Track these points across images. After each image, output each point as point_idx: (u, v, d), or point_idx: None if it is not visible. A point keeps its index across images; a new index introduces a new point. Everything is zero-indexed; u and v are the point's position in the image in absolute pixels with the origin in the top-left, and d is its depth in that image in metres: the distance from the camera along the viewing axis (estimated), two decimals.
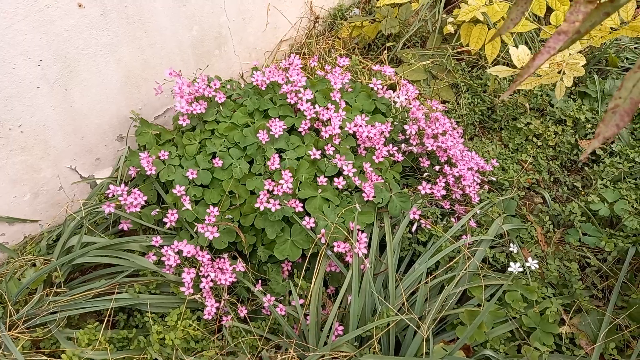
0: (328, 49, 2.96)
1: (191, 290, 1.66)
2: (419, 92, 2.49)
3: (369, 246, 1.73)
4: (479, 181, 2.06)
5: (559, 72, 2.14)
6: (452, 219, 1.96)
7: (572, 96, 2.62)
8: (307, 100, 1.98)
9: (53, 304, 1.65)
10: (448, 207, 1.99)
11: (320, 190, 1.79)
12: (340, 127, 1.92)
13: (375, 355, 1.53)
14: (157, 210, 1.89)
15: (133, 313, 1.76)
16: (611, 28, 2.03)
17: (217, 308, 1.68)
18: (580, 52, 2.20)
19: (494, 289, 1.72)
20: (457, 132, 2.16)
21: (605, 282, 1.83)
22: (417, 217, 1.81)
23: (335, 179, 1.81)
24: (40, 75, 1.75)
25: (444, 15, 2.86)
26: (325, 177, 1.80)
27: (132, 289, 1.70)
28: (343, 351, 1.53)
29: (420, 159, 2.06)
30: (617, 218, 1.97)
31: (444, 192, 1.93)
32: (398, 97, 2.14)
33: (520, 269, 1.70)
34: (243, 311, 1.71)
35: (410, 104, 2.12)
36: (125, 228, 1.90)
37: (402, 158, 1.98)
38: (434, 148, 2.02)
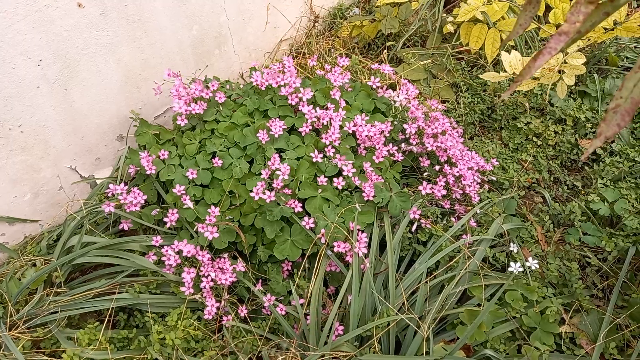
0: (328, 49, 2.96)
1: (191, 290, 1.66)
2: (418, 91, 2.48)
3: (369, 246, 1.73)
4: (479, 181, 2.06)
5: (559, 72, 2.14)
6: (452, 219, 1.96)
7: (572, 95, 2.62)
8: (308, 101, 1.97)
9: (53, 303, 1.65)
10: (448, 206, 1.99)
11: (320, 190, 1.79)
12: (340, 127, 1.92)
13: (376, 354, 1.53)
14: (157, 210, 1.89)
15: (133, 313, 1.76)
16: (605, 29, 2.04)
17: (218, 308, 1.68)
18: (580, 50, 2.20)
19: (494, 289, 1.73)
20: (457, 132, 2.16)
21: (605, 282, 1.83)
22: (417, 216, 1.81)
23: (335, 180, 1.81)
24: (40, 75, 1.75)
25: (444, 15, 2.86)
26: (325, 177, 1.80)
27: (132, 289, 1.70)
28: (343, 351, 1.53)
29: (420, 158, 2.06)
30: (618, 217, 1.97)
31: (444, 192, 1.93)
32: (398, 97, 2.14)
33: (521, 269, 1.70)
34: (243, 311, 1.71)
35: (410, 104, 2.12)
36: (126, 228, 1.90)
37: (402, 158, 1.98)
38: (434, 148, 2.02)
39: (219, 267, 1.71)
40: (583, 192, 2.21)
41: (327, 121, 1.94)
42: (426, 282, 1.68)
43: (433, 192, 1.91)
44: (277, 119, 1.91)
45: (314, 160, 1.84)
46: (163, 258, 1.73)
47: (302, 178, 1.82)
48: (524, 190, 2.21)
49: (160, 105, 2.25)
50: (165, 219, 1.80)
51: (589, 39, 2.16)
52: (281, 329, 1.69)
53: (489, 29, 2.47)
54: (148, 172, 1.87)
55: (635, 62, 2.73)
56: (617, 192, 2.01)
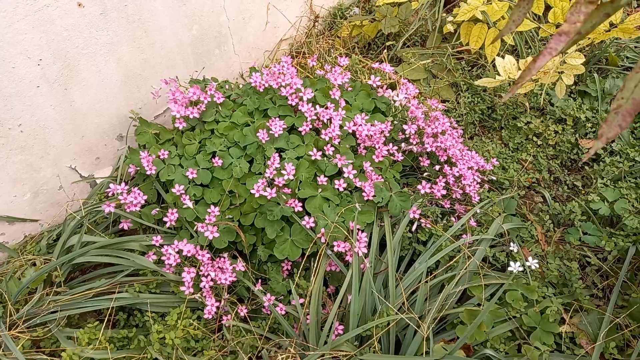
0: (328, 48, 2.96)
1: (191, 290, 1.66)
2: (418, 91, 2.49)
3: (369, 245, 1.73)
4: (479, 180, 2.06)
5: (559, 73, 2.14)
6: (452, 218, 1.96)
7: (572, 95, 2.62)
8: (308, 100, 1.97)
9: (53, 303, 1.65)
10: (448, 206, 1.99)
11: (320, 190, 1.79)
12: (340, 126, 1.92)
13: (376, 354, 1.53)
14: (157, 209, 1.89)
15: (133, 312, 1.76)
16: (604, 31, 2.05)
17: (217, 307, 1.68)
18: (579, 50, 2.20)
19: (494, 288, 1.72)
20: (457, 132, 2.16)
21: (605, 282, 1.83)
22: (417, 216, 1.81)
23: (336, 182, 1.81)
24: (40, 74, 1.75)
25: (444, 15, 2.86)
26: (325, 176, 1.80)
27: (132, 289, 1.70)
28: (343, 350, 1.53)
29: (420, 158, 2.06)
30: (618, 217, 1.97)
31: (444, 192, 1.93)
32: (398, 96, 2.13)
33: (521, 268, 1.70)
34: (243, 310, 1.71)
35: (410, 103, 2.12)
36: (126, 227, 1.90)
37: (402, 157, 1.98)
38: (434, 148, 2.02)
39: (218, 267, 1.71)
40: (583, 191, 2.21)
41: (327, 119, 1.94)
42: (426, 282, 1.68)
43: (432, 191, 1.91)
44: (277, 119, 1.91)
45: (313, 158, 1.83)
46: (163, 257, 1.73)
47: (302, 177, 1.82)
48: (524, 189, 2.21)
49: (160, 104, 2.25)
50: (165, 219, 1.80)
51: (589, 38, 2.17)
52: (281, 328, 1.69)
53: (489, 28, 2.46)
54: (148, 172, 1.87)
55: (635, 62, 2.73)
56: (617, 191, 2.01)
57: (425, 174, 2.06)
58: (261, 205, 1.75)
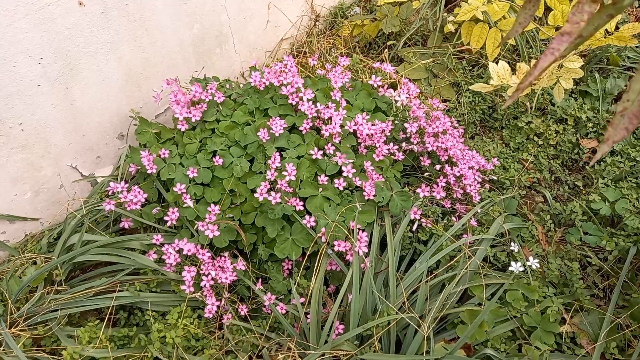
0: (329, 48, 2.96)
1: (192, 289, 1.66)
2: (419, 90, 2.48)
3: (369, 245, 1.73)
4: (479, 180, 2.06)
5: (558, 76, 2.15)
6: (453, 218, 1.96)
7: (573, 95, 2.62)
8: (308, 100, 1.97)
9: (54, 301, 1.65)
10: (449, 206, 1.99)
11: (320, 189, 1.79)
12: (341, 126, 1.92)
13: (376, 353, 1.53)
14: (158, 208, 1.89)
15: (134, 311, 1.76)
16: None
17: (218, 306, 1.68)
18: (579, 54, 2.20)
19: (494, 288, 1.72)
20: (458, 131, 2.16)
21: (606, 282, 1.83)
22: (417, 216, 1.81)
23: (336, 181, 1.80)
24: (40, 73, 1.75)
25: (445, 14, 2.86)
26: (326, 175, 1.80)
27: (132, 287, 1.70)
28: (344, 350, 1.53)
29: (421, 157, 2.06)
30: (618, 217, 1.96)
31: (443, 194, 1.93)
32: (399, 96, 2.13)
33: (521, 268, 1.70)
34: (244, 310, 1.71)
35: (411, 103, 2.12)
36: (126, 226, 1.90)
37: (403, 157, 1.98)
38: (435, 147, 2.02)
39: (219, 266, 1.71)
40: (584, 191, 2.21)
41: (327, 117, 1.94)
42: (427, 282, 1.67)
43: (432, 194, 1.91)
44: (278, 118, 1.91)
45: (314, 157, 1.83)
46: (163, 256, 1.73)
47: (303, 177, 1.82)
48: (524, 189, 2.21)
49: (161, 103, 2.25)
50: (166, 218, 1.80)
51: (587, 44, 2.18)
52: (281, 327, 1.69)
53: (490, 28, 2.46)
54: (149, 171, 1.87)
55: (636, 61, 2.72)
56: (618, 191, 2.00)
57: (426, 173, 2.06)
58: (262, 204, 1.75)
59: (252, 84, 2.06)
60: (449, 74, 2.70)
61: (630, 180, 2.09)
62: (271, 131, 1.87)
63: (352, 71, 2.61)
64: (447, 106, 2.55)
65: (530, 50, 2.78)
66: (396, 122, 2.10)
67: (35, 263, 1.78)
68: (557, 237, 2.00)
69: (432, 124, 2.03)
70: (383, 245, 1.79)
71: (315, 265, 1.69)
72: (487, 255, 1.82)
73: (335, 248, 1.68)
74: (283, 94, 1.99)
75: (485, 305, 1.60)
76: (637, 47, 2.81)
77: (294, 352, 1.56)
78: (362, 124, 1.93)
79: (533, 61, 2.40)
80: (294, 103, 1.99)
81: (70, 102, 1.89)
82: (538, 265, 1.73)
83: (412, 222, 1.84)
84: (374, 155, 1.90)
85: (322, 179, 1.79)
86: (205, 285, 1.68)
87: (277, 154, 1.83)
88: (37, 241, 1.94)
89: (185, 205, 1.80)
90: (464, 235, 1.83)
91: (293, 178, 1.74)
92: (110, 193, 1.85)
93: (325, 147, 1.87)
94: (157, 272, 1.77)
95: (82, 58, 1.86)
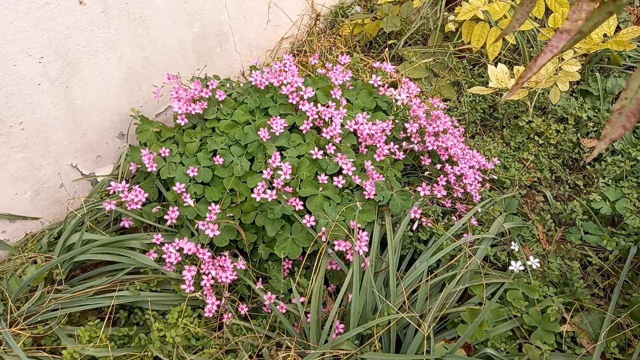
0: (329, 47, 2.96)
1: (192, 288, 1.66)
2: (420, 90, 2.48)
3: (369, 244, 1.73)
4: (480, 179, 2.06)
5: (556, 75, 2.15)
6: (453, 217, 1.96)
7: (573, 94, 2.61)
8: (309, 99, 1.97)
9: (54, 301, 1.65)
10: (449, 205, 1.99)
11: (321, 189, 1.79)
12: (342, 125, 1.92)
13: (376, 353, 1.53)
14: (158, 207, 1.89)
15: (134, 310, 1.76)
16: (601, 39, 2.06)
17: (218, 306, 1.68)
18: (579, 56, 2.20)
19: (495, 288, 1.72)
20: (458, 131, 2.16)
21: (606, 281, 1.83)
22: (418, 215, 1.81)
23: (335, 178, 1.80)
24: (41, 72, 1.75)
25: (446, 13, 2.86)
26: (326, 175, 1.80)
27: (133, 287, 1.70)
28: (344, 349, 1.53)
29: (421, 157, 2.06)
30: (619, 217, 1.96)
31: (444, 193, 1.93)
32: (399, 95, 2.13)
33: (522, 268, 1.70)
34: (244, 309, 1.71)
35: (411, 102, 2.11)
36: (126, 225, 1.90)
37: (404, 156, 1.98)
38: (435, 147, 2.02)
39: (219, 265, 1.71)
40: (584, 191, 2.21)
41: (328, 118, 1.94)
42: (427, 281, 1.67)
43: (433, 193, 1.91)
44: (278, 117, 1.91)
45: (314, 156, 1.83)
46: (164, 256, 1.73)
47: (303, 176, 1.81)
48: (525, 189, 2.21)
49: (161, 103, 2.25)
50: (166, 217, 1.80)
51: (584, 48, 2.18)
52: (282, 327, 1.69)
53: (490, 27, 2.46)
54: (149, 170, 1.87)
55: (637, 60, 2.72)
56: (618, 191, 2.00)
57: (427, 172, 2.06)
58: (262, 203, 1.75)
59: (253, 83, 2.05)
60: (450, 73, 2.69)
61: (631, 180, 2.09)
62: (271, 130, 1.87)
63: (353, 70, 2.61)
64: (447, 105, 2.55)
65: (531, 49, 2.78)
66: (397, 121, 2.10)
67: (35, 262, 1.78)
68: (558, 236, 1.99)
69: (432, 123, 2.03)
70: (383, 244, 1.79)
71: (316, 264, 1.69)
72: (488, 255, 1.82)
73: (336, 247, 1.68)
74: (283, 93, 1.99)
75: (486, 305, 1.59)
76: (638, 46, 2.81)
77: (294, 352, 1.56)
78: (362, 123, 1.92)
79: None
80: (294, 102, 1.98)
81: (71, 101, 1.89)
82: (538, 265, 1.73)
83: (412, 221, 1.83)
84: (375, 155, 1.90)
85: (323, 178, 1.79)
86: (205, 285, 1.68)
87: (278, 153, 1.83)
88: (38, 240, 1.94)
89: (185, 205, 1.80)
90: (465, 235, 1.82)
91: (288, 177, 1.73)
92: (110, 192, 1.85)
93: (326, 146, 1.87)
94: (157, 271, 1.77)
95: (82, 57, 1.86)
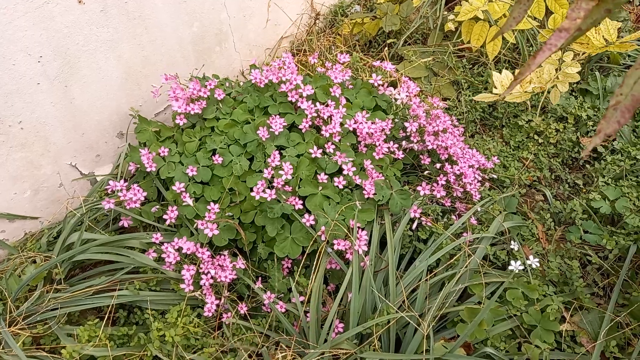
0: (329, 46, 2.95)
1: (191, 287, 1.66)
2: (419, 89, 2.48)
3: (369, 243, 1.73)
4: (479, 179, 2.05)
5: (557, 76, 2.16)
6: (453, 217, 1.95)
7: (573, 93, 2.61)
8: (308, 97, 1.97)
9: (53, 300, 1.65)
10: (449, 204, 1.99)
11: (320, 188, 1.79)
12: (341, 124, 1.92)
13: (376, 352, 1.53)
14: (157, 207, 1.89)
15: (133, 310, 1.76)
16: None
17: (217, 305, 1.68)
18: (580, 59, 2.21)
19: (494, 287, 1.72)
20: (458, 130, 2.16)
21: (606, 280, 1.83)
22: (417, 214, 1.81)
23: (336, 179, 1.80)
24: (40, 71, 1.75)
25: (445, 12, 2.86)
26: (325, 174, 1.80)
27: (132, 286, 1.70)
28: (343, 348, 1.53)
29: (421, 156, 2.05)
30: (619, 216, 1.96)
31: (443, 193, 1.92)
32: (399, 94, 2.13)
33: (521, 267, 1.69)
34: (243, 308, 1.71)
35: (411, 101, 2.11)
36: (126, 225, 1.90)
37: (403, 155, 1.98)
38: (435, 146, 2.02)
39: (218, 265, 1.71)
40: (584, 190, 2.21)
41: (327, 117, 1.94)
42: (426, 280, 1.67)
43: (432, 192, 1.91)
44: (278, 116, 1.91)
45: (313, 155, 1.83)
46: (163, 255, 1.73)
47: (303, 175, 1.81)
48: (525, 188, 2.21)
49: (160, 102, 2.25)
50: (165, 216, 1.80)
51: (585, 53, 2.18)
52: (281, 326, 1.69)
53: (490, 26, 2.46)
54: (148, 169, 1.87)
55: (636, 59, 2.72)
56: (618, 190, 2.00)
57: (426, 172, 2.05)
58: (261, 203, 1.75)
59: (253, 81, 2.05)
60: (449, 73, 2.69)
61: (631, 179, 2.09)
62: (271, 129, 1.87)
63: (352, 69, 2.61)
64: (447, 104, 2.55)
65: (531, 49, 2.77)
66: (396, 120, 2.10)
67: (34, 262, 1.78)
68: (557, 235, 1.99)
69: (432, 123, 2.03)
70: (383, 243, 1.79)
71: (315, 263, 1.69)
72: (487, 254, 1.81)
73: (335, 247, 1.68)
74: (282, 91, 1.99)
75: (485, 304, 1.59)
76: (638, 45, 2.81)
77: (293, 351, 1.56)
78: (362, 122, 1.92)
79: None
80: (293, 100, 1.98)
81: (70, 101, 1.89)
82: (538, 264, 1.73)
83: (412, 220, 1.83)
84: (374, 154, 1.90)
85: (322, 177, 1.79)
86: (204, 284, 1.68)
87: (277, 152, 1.83)
88: (37, 240, 1.94)
89: (184, 204, 1.80)
90: (464, 234, 1.82)
91: (289, 177, 1.73)
92: (109, 191, 1.85)
93: (325, 145, 1.87)
94: (156, 270, 1.77)
95: (81, 56, 1.85)
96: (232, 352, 1.64)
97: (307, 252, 1.72)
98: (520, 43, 2.70)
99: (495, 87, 2.26)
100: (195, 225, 1.77)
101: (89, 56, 1.88)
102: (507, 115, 2.52)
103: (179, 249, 1.73)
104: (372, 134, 1.93)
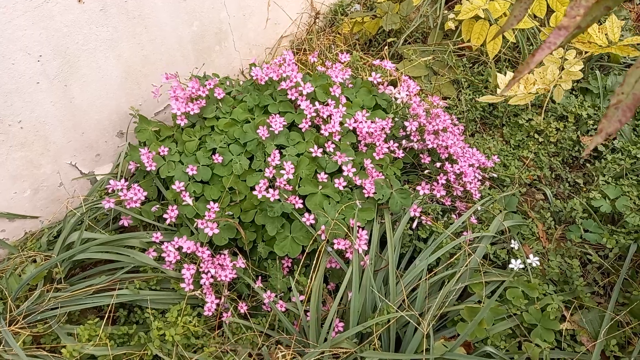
0: (329, 45, 2.95)
1: (191, 287, 1.66)
2: (420, 88, 2.48)
3: (369, 243, 1.72)
4: (480, 178, 2.05)
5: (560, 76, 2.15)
6: (453, 216, 1.95)
7: (574, 92, 2.61)
8: (308, 96, 1.97)
9: (53, 299, 1.65)
10: (449, 203, 1.99)
11: (320, 187, 1.79)
12: (341, 123, 1.92)
13: (376, 351, 1.53)
14: (157, 206, 1.89)
15: (133, 309, 1.76)
16: (600, 46, 2.06)
17: (218, 304, 1.68)
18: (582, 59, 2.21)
19: (494, 286, 1.72)
20: (458, 129, 2.16)
21: (606, 279, 1.82)
22: (417, 213, 1.81)
23: (336, 181, 1.80)
24: (39, 70, 1.75)
25: (445, 11, 2.85)
26: (325, 173, 1.80)
27: (132, 285, 1.70)
28: (343, 347, 1.53)
29: (421, 155, 2.05)
30: (619, 214, 1.96)
31: (443, 192, 1.92)
32: (399, 93, 2.13)
33: (521, 266, 1.69)
34: (243, 307, 1.71)
35: (411, 100, 2.11)
36: (126, 224, 1.90)
37: (403, 154, 1.98)
38: (435, 145, 2.02)
39: (219, 264, 1.71)
40: (584, 189, 2.20)
41: (327, 116, 1.94)
42: (426, 279, 1.67)
43: (433, 191, 1.91)
44: (277, 115, 1.90)
45: (313, 155, 1.83)
46: (163, 254, 1.73)
47: (303, 175, 1.81)
48: (525, 187, 2.21)
49: (160, 101, 2.25)
50: (165, 216, 1.80)
51: (586, 52, 2.18)
52: (281, 325, 1.69)
53: (490, 25, 2.45)
54: (148, 169, 1.87)
55: (637, 58, 2.71)
56: (618, 189, 2.00)
57: (426, 171, 2.05)
58: (261, 202, 1.75)
59: (254, 78, 2.05)
60: (449, 72, 2.69)
61: (631, 178, 2.09)
62: (270, 129, 1.87)
63: (352, 68, 2.61)
64: (447, 103, 2.54)
65: (531, 47, 2.77)
66: (396, 119, 2.09)
67: (34, 261, 1.78)
68: (558, 234, 1.99)
69: (432, 122, 2.03)
70: (383, 242, 1.79)
71: (315, 262, 1.69)
72: (487, 253, 1.81)
73: (335, 246, 1.68)
74: (282, 88, 1.98)
75: (485, 303, 1.59)
76: (638, 44, 2.80)
77: (293, 350, 1.55)
78: (362, 122, 1.92)
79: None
80: (293, 98, 1.98)
81: (70, 100, 1.88)
82: (538, 263, 1.73)
83: (412, 219, 1.83)
84: (374, 154, 1.90)
85: (322, 176, 1.79)
86: (204, 283, 1.68)
87: (277, 151, 1.83)
88: (37, 239, 1.94)
89: (184, 203, 1.80)
90: (464, 233, 1.82)
91: (291, 176, 1.73)
92: (109, 191, 1.85)
93: (325, 144, 1.87)
94: (156, 270, 1.77)
95: (81, 55, 1.85)
96: (233, 351, 1.64)
97: (307, 251, 1.72)
98: (521, 42, 2.70)
99: (500, 89, 2.26)
100: (195, 224, 1.77)
101: (89, 55, 1.88)
102: (507, 114, 2.52)
103: (179, 248, 1.73)
104: (372, 133, 1.93)
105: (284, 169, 1.74)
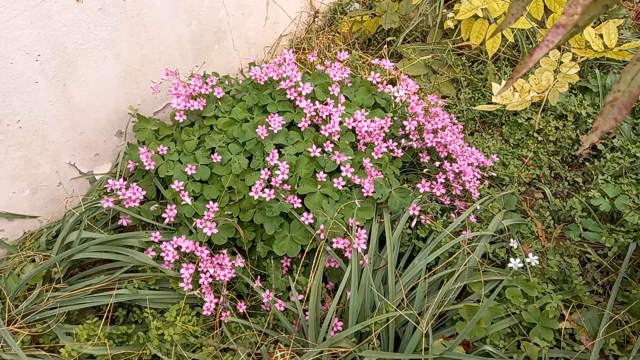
0: (328, 44, 2.95)
1: (190, 286, 1.66)
2: (419, 87, 2.48)
3: (368, 242, 1.72)
4: (479, 177, 2.05)
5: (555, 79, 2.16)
6: (452, 215, 1.95)
7: (573, 91, 2.61)
8: (307, 95, 1.97)
9: (52, 299, 1.65)
10: (448, 202, 1.98)
11: (319, 186, 1.79)
12: (340, 123, 1.92)
13: (375, 350, 1.53)
14: (156, 205, 1.88)
15: (132, 309, 1.76)
16: (596, 51, 2.06)
17: (216, 304, 1.68)
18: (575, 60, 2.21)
19: (493, 285, 1.72)
20: (457, 128, 2.15)
21: (605, 278, 1.82)
22: (416, 212, 1.81)
23: (335, 180, 1.80)
24: (38, 70, 1.75)
25: (445, 10, 2.85)
26: (324, 173, 1.80)
27: (131, 285, 1.70)
28: (342, 347, 1.53)
29: (420, 154, 2.05)
30: (618, 213, 1.96)
31: (442, 191, 1.92)
32: (398, 92, 2.13)
33: (521, 265, 1.69)
34: (242, 307, 1.71)
35: (410, 99, 2.11)
36: (125, 224, 1.89)
37: (402, 153, 1.97)
38: (434, 144, 2.02)
39: (217, 263, 1.71)
40: (584, 188, 2.20)
41: (326, 115, 1.94)
42: (425, 278, 1.67)
43: (432, 190, 1.90)
44: (276, 114, 1.90)
45: (312, 154, 1.83)
46: (162, 254, 1.73)
47: (302, 174, 1.81)
48: (524, 186, 2.21)
49: (159, 100, 2.24)
50: (164, 215, 1.80)
51: (583, 57, 2.18)
52: (280, 324, 1.69)
53: (489, 24, 2.45)
54: (147, 168, 1.87)
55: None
56: (617, 188, 2.00)
57: (425, 170, 2.05)
58: (260, 201, 1.75)
59: (253, 77, 2.05)
60: (449, 70, 2.69)
61: (630, 177, 2.09)
62: (269, 128, 1.87)
63: (352, 67, 2.60)
64: (446, 102, 2.54)
65: (530, 46, 2.77)
66: (395, 118, 2.09)
67: (33, 261, 1.78)
68: (557, 233, 1.99)
69: (431, 120, 2.03)
70: (382, 242, 1.79)
71: (314, 262, 1.69)
72: (486, 252, 1.81)
73: (334, 245, 1.68)
74: (281, 88, 1.98)
75: (484, 302, 1.59)
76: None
77: (292, 350, 1.55)
78: (361, 121, 1.92)
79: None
80: (292, 98, 1.98)
81: (68, 99, 1.88)
82: (537, 262, 1.73)
83: (411, 218, 1.83)
84: (373, 153, 1.90)
85: (321, 176, 1.78)
86: (203, 283, 1.68)
87: (276, 150, 1.83)
88: (36, 239, 1.93)
89: (183, 203, 1.79)
90: (463, 232, 1.82)
91: (286, 176, 1.73)
92: (108, 190, 1.85)
93: (324, 144, 1.86)
94: (155, 269, 1.77)
95: (79, 55, 1.85)
96: (231, 350, 1.64)
97: (306, 250, 1.72)
98: (520, 41, 2.70)
99: (496, 97, 2.27)
100: (194, 223, 1.77)
101: (87, 55, 1.88)
102: (506, 113, 2.52)
103: (178, 248, 1.73)
104: (371, 132, 1.93)
105: (279, 170, 1.74)
